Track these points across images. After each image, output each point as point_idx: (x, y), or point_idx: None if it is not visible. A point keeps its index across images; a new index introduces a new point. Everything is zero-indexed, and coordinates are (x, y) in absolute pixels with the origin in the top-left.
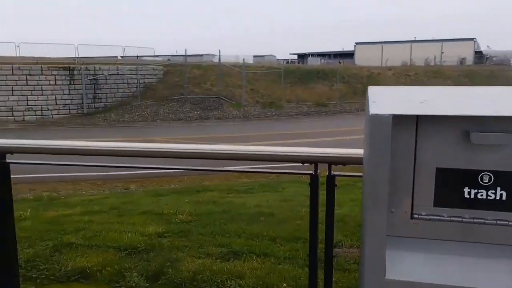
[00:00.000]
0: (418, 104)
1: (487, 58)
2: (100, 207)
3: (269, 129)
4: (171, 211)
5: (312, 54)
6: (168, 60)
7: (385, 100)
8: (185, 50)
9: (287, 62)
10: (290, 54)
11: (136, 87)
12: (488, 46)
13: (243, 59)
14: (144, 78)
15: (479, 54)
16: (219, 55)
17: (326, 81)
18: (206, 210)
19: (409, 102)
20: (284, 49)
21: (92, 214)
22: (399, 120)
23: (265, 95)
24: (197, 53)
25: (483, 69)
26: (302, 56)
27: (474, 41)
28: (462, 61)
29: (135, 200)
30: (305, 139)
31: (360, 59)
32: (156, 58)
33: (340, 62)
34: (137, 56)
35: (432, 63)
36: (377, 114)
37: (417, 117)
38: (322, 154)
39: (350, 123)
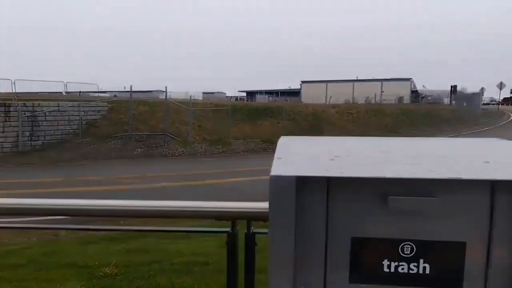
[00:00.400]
0: (329, 162)
1: (422, 97)
2: (17, 260)
3: (216, 167)
4: (96, 263)
5: (260, 92)
6: (115, 96)
7: (293, 156)
8: (131, 86)
9: (236, 99)
10: (239, 91)
11: (78, 124)
12: (423, 86)
13: (190, 96)
14: (86, 115)
15: (415, 93)
16: (166, 92)
17: (273, 118)
18: (136, 261)
19: (319, 160)
20: (234, 86)
21: (5, 269)
22: (305, 181)
23: (213, 132)
24: (147, 89)
25: (419, 107)
26: (250, 94)
27: (411, 81)
28: (400, 99)
29: (61, 249)
30: (255, 177)
31: (306, 97)
32: (101, 94)
33: (287, 100)
34: (80, 92)
35: (373, 101)
36: (278, 176)
37: (328, 178)
38: (240, 208)
39: None
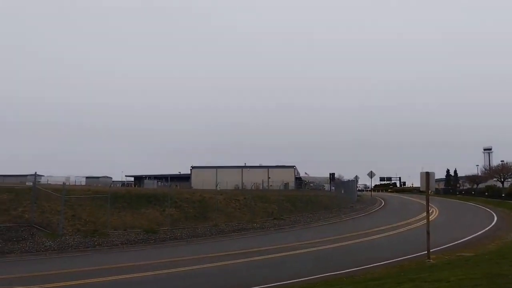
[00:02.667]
0: None
1: (305, 183)
2: None
3: (85, 264)
4: None
5: (149, 177)
6: None
7: None
8: None
9: (123, 184)
10: (126, 176)
11: None
12: (306, 173)
13: (64, 182)
14: None
15: (299, 180)
16: (35, 177)
17: (158, 205)
18: None
19: None
20: (122, 169)
21: None
22: None
23: (89, 222)
24: (21, 173)
25: (302, 194)
26: (138, 178)
27: (294, 168)
28: (286, 185)
29: None
30: (124, 275)
31: (196, 182)
32: None
33: (176, 186)
34: None
35: (261, 187)
36: None
37: None
38: None
39: (177, 252)
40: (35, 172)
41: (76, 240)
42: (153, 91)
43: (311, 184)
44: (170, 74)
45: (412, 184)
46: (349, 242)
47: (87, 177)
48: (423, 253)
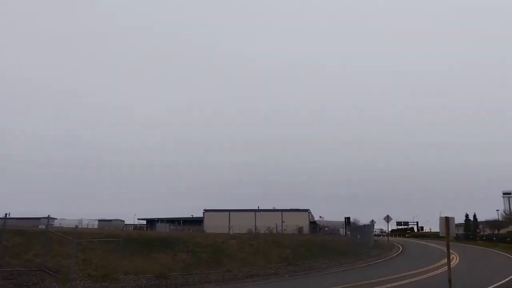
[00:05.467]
0: None
1: (320, 227)
2: None
3: None
4: None
5: (162, 220)
6: None
7: None
8: (6, 213)
9: (135, 228)
10: (139, 219)
11: None
12: (320, 217)
13: (76, 226)
14: None
15: (313, 224)
16: (48, 220)
17: (170, 250)
18: None
19: None
20: (134, 212)
21: None
22: None
23: (100, 267)
24: (34, 215)
25: (317, 239)
26: (151, 222)
27: (309, 212)
28: (300, 229)
29: None
30: None
31: (209, 226)
32: None
33: (189, 229)
34: None
35: (275, 231)
36: None
37: None
38: None
39: None
40: (48, 215)
41: (86, 285)
42: (166, 133)
43: (326, 228)
44: (184, 117)
45: (430, 229)
46: None
47: (99, 220)
48: None
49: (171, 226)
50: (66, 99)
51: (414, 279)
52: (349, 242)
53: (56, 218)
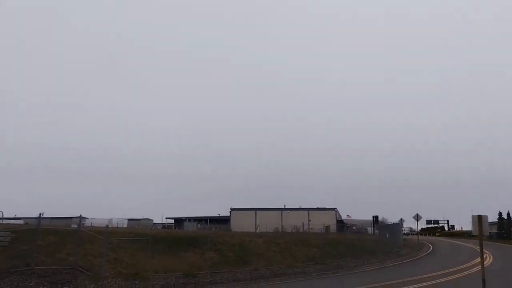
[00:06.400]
0: None
1: (347, 226)
2: None
3: None
4: None
5: (189, 219)
6: (26, 223)
7: None
8: (40, 213)
9: (164, 227)
10: (167, 218)
11: None
12: (348, 215)
13: (107, 225)
14: None
15: (340, 223)
16: (80, 219)
17: (197, 248)
18: None
19: None
20: (163, 211)
21: None
22: None
23: (130, 265)
24: (67, 215)
25: (344, 238)
26: (178, 221)
27: (336, 210)
28: (327, 228)
29: None
30: None
31: (235, 225)
32: (12, 220)
33: (216, 228)
34: None
35: (301, 230)
36: None
37: None
38: None
39: None
40: (80, 215)
41: (117, 283)
42: (192, 135)
43: (354, 227)
44: (212, 118)
45: (462, 227)
46: None
47: (128, 219)
48: None
49: (199, 225)
50: (102, 106)
51: (446, 278)
52: (378, 241)
53: (87, 218)
